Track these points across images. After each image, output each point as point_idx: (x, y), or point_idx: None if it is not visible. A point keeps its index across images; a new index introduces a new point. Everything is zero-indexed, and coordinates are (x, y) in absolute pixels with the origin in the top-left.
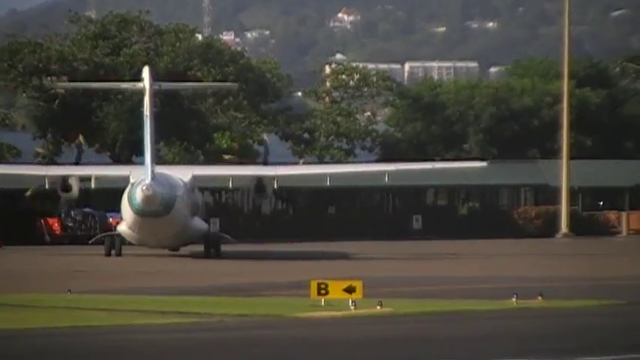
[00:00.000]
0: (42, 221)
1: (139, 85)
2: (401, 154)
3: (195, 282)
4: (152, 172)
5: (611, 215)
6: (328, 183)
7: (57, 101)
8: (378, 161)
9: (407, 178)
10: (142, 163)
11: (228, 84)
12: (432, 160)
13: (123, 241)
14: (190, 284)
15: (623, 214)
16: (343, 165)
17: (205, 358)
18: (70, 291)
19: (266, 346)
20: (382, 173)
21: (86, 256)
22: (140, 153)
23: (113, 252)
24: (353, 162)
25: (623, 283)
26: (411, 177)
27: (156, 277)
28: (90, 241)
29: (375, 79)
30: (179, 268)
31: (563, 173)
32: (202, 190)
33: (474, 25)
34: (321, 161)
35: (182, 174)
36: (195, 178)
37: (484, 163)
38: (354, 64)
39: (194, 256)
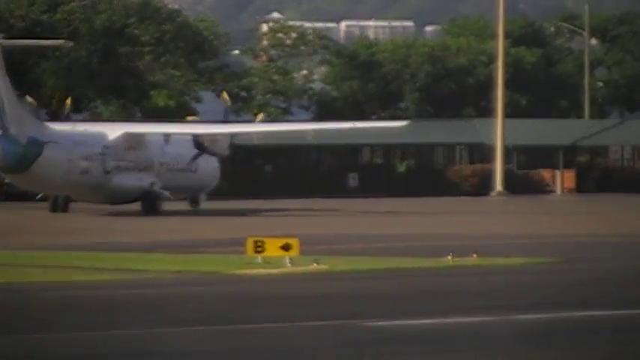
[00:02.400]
0: None
1: None
2: (337, 113)
3: (133, 238)
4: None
5: (546, 174)
6: (256, 142)
7: None
8: (314, 119)
9: (343, 136)
10: (80, 120)
11: (60, 41)
12: (369, 118)
13: (68, 197)
14: (129, 240)
15: (558, 173)
16: (269, 124)
17: (141, 314)
18: (5, 247)
19: (202, 302)
20: (306, 132)
21: (30, 212)
22: (78, 110)
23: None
24: (289, 120)
25: (558, 241)
26: (348, 135)
27: (95, 233)
28: (37, 197)
29: (311, 37)
30: (119, 225)
31: (498, 132)
32: None
33: None
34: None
35: (111, 131)
36: (127, 134)
37: (404, 123)
38: (290, 23)
39: (135, 213)
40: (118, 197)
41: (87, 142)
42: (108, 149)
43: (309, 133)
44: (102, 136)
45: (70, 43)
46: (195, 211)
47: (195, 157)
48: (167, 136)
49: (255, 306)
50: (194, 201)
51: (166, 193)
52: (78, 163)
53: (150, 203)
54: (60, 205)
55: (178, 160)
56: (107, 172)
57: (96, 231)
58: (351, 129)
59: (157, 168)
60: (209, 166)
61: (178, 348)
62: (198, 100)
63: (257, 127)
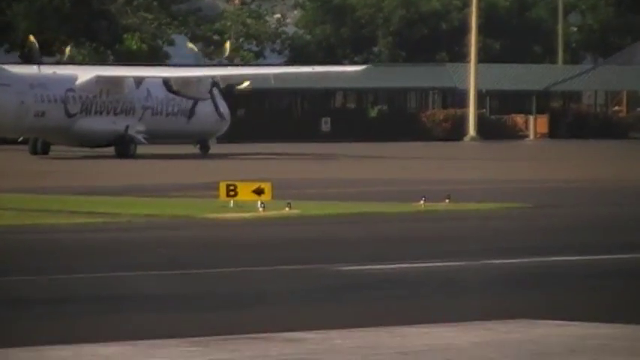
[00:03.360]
0: None
1: None
2: (310, 57)
3: (106, 182)
4: None
5: (519, 119)
6: (221, 86)
7: None
8: (287, 63)
9: (315, 80)
10: (52, 63)
11: None
12: (342, 62)
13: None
14: (102, 184)
15: (531, 118)
16: (232, 68)
17: (113, 258)
18: None
19: (174, 246)
20: (267, 76)
21: (8, 154)
22: (52, 53)
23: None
24: (262, 64)
25: (530, 187)
26: (320, 80)
27: (68, 176)
28: (19, 139)
29: None
30: (93, 168)
31: (471, 77)
32: None
33: None
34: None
35: (83, 74)
36: (99, 78)
37: (360, 67)
38: None
39: (113, 156)
40: (88, 141)
41: (46, 84)
42: (73, 92)
43: (271, 76)
44: (67, 79)
45: None
46: (203, 156)
47: (194, 105)
48: (139, 80)
49: (227, 250)
50: (203, 146)
51: (141, 138)
52: (31, 105)
53: (123, 147)
54: (39, 147)
55: (168, 105)
56: (71, 116)
57: (69, 174)
58: (310, 73)
59: (139, 112)
60: (212, 110)
61: (147, 292)
62: (171, 43)
63: (234, 71)
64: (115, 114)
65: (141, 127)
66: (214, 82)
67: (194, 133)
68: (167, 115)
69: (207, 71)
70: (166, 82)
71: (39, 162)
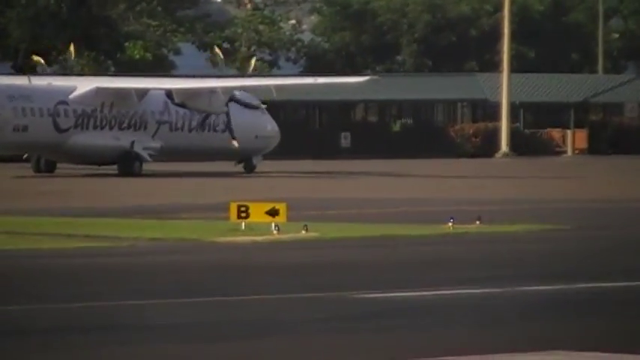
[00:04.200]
0: None
1: None
2: (328, 66)
3: (108, 202)
4: None
5: (555, 133)
6: (222, 97)
7: None
8: (303, 73)
9: (334, 92)
10: (46, 73)
11: None
12: (362, 72)
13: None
14: (104, 205)
15: (568, 132)
16: (234, 79)
17: (114, 285)
18: None
19: (181, 272)
20: (268, 88)
21: (10, 171)
22: (49, 63)
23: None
24: (276, 75)
25: (568, 207)
26: (340, 91)
27: (68, 196)
28: (24, 156)
29: None
30: (97, 188)
31: (504, 87)
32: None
33: None
34: (242, 73)
35: (83, 86)
36: (99, 90)
37: (367, 77)
38: None
39: (117, 175)
40: (85, 158)
41: (30, 97)
42: (66, 105)
43: (272, 88)
44: (60, 91)
45: None
46: (248, 175)
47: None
48: (142, 92)
49: (238, 276)
50: (247, 164)
51: (146, 155)
52: (9, 119)
53: (127, 165)
54: (43, 165)
55: (192, 119)
56: (62, 131)
57: (69, 194)
58: (312, 84)
59: (153, 127)
60: (253, 125)
61: (154, 321)
62: (177, 52)
63: (234, 82)
64: (120, 129)
65: (154, 144)
66: (232, 96)
67: (226, 150)
68: (190, 130)
69: (209, 83)
70: (169, 95)
71: (39, 181)
